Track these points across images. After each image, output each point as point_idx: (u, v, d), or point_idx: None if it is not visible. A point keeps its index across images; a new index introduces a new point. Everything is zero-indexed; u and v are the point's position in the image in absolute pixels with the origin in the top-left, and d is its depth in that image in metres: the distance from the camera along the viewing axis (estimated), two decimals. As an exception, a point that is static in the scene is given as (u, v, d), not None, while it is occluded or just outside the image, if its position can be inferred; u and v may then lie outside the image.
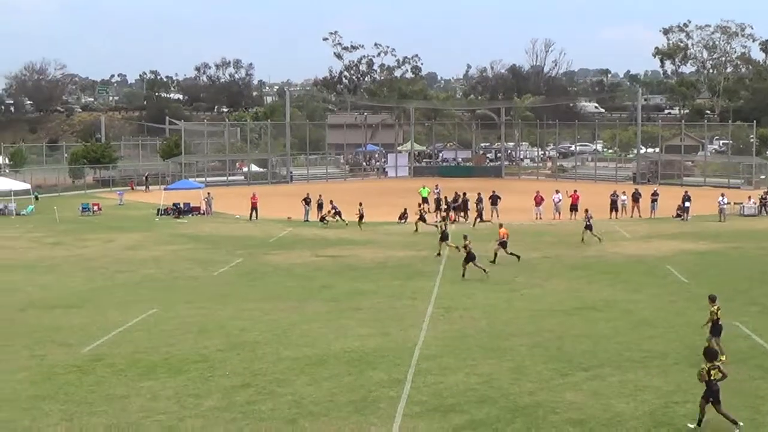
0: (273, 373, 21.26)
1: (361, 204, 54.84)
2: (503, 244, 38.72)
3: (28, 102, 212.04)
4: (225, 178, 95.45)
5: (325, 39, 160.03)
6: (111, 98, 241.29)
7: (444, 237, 41.48)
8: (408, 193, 69.78)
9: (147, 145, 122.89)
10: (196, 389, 20.09)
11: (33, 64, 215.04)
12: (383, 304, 29.95)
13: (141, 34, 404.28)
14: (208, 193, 64.91)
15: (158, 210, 63.27)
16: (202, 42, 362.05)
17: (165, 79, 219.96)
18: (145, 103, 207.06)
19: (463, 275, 34.81)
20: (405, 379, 20.51)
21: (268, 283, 35.23)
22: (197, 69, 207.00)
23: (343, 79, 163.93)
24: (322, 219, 55.69)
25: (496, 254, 38.42)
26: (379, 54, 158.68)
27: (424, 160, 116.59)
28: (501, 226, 40.47)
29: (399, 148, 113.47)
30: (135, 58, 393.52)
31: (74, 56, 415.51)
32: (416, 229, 50.75)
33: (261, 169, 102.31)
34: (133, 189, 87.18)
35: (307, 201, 59.34)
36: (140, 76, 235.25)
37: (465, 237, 36.47)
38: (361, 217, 53.76)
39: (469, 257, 35.08)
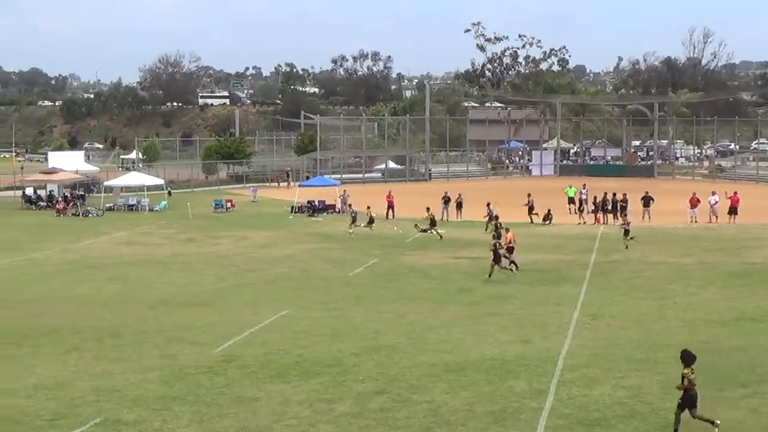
0: (408, 380, 21.30)
1: (447, 200, 54.66)
2: (510, 250, 37.95)
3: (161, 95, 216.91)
4: (361, 175, 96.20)
5: (468, 30, 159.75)
6: (245, 91, 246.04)
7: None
8: (553, 193, 69.04)
9: (281, 140, 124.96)
10: (329, 394, 20.28)
11: (167, 56, 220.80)
12: (525, 310, 29.71)
13: (277, 26, 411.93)
14: (344, 191, 65.53)
15: (292, 207, 64.27)
16: (339, 34, 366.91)
17: (301, 72, 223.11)
18: (280, 96, 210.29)
19: (489, 275, 35.70)
20: (548, 390, 20.28)
21: (404, 284, 35.36)
22: (334, 61, 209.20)
23: (486, 72, 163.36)
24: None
25: (511, 262, 37.47)
26: (523, 46, 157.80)
27: (571, 158, 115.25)
28: (507, 230, 39.75)
29: (544, 146, 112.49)
30: (270, 50, 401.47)
31: (209, 49, 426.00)
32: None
33: (399, 166, 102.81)
34: (279, 185, 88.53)
35: (446, 200, 59.36)
36: (275, 68, 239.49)
37: (507, 230, 37.84)
38: (432, 222, 50.11)
39: (495, 257, 35.87)
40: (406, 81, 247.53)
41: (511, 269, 36.68)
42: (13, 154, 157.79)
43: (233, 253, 44.92)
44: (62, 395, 20.29)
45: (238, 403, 19.64)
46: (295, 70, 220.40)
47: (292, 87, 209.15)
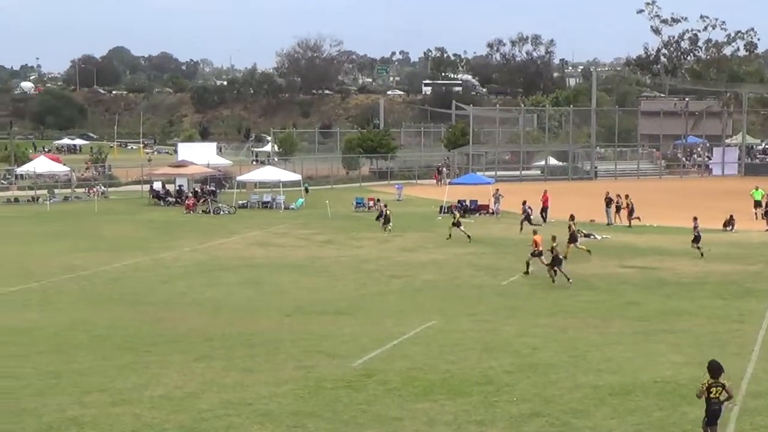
0: (568, 402, 21.14)
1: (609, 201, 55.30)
2: (537, 254, 39.01)
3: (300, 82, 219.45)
4: (518, 172, 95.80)
5: (641, 11, 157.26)
6: (391, 79, 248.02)
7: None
8: (736, 195, 67.53)
9: (430, 132, 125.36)
10: (479, 415, 20.27)
11: (307, 40, 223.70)
12: (702, 327, 29.15)
13: (427, 7, 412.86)
14: (497, 190, 65.36)
15: (441, 207, 64.44)
16: (496, 15, 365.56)
17: (452, 58, 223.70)
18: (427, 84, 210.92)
19: (553, 281, 37.08)
20: (727, 419, 19.87)
21: (564, 295, 35.08)
22: (489, 46, 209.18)
23: (661, 57, 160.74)
24: None
25: (552, 268, 37.74)
26: (705, 28, 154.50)
27: (758, 156, 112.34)
28: (535, 232, 40.29)
29: (727, 142, 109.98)
30: (419, 33, 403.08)
31: (351, 31, 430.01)
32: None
33: (560, 163, 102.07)
34: (438, 182, 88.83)
35: (608, 201, 58.71)
36: (424, 54, 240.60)
37: (553, 238, 37.79)
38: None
39: (555, 261, 37.13)
40: (569, 68, 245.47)
41: (567, 278, 36.99)
42: (141, 145, 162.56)
43: (375, 257, 45.32)
44: (189, 407, 20.79)
45: (379, 423, 19.79)
46: (446, 55, 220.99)
47: (442, 74, 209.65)
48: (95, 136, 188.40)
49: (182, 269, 42.06)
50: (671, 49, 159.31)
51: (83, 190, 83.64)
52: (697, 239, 44.59)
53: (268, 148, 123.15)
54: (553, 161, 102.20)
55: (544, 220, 58.54)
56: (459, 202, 64.14)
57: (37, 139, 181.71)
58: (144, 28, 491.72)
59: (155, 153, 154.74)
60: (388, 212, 53.90)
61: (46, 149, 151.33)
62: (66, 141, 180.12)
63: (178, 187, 76.27)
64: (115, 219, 63.45)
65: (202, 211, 67.24)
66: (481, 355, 25.50)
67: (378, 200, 50.20)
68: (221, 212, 66.03)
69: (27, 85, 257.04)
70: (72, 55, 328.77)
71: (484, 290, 36.33)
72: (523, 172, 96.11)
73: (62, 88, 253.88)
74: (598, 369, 23.99)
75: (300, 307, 32.99)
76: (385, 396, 21.66)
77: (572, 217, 46.32)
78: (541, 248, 39.15)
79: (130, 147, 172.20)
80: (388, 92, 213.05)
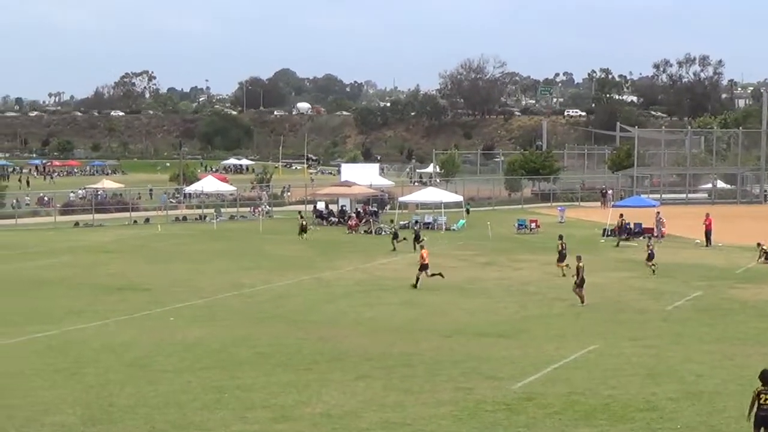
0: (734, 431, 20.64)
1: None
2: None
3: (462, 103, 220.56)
4: (684, 195, 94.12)
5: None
6: (554, 100, 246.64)
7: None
8: None
9: (594, 154, 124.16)
10: (641, 442, 19.93)
11: (470, 61, 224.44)
12: None
13: (592, 27, 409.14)
14: (658, 213, 64.21)
15: (604, 230, 63.67)
16: (663, 35, 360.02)
17: (617, 79, 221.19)
18: (593, 105, 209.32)
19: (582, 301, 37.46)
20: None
21: (733, 322, 34.22)
22: (656, 66, 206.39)
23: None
24: None
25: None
26: None
27: None
28: (578, 258, 38.64)
29: None
30: (583, 54, 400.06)
31: (514, 51, 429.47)
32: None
33: (728, 186, 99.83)
34: (602, 205, 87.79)
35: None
36: (588, 74, 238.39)
37: (578, 258, 38.18)
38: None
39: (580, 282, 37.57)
40: (739, 89, 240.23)
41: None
42: (305, 165, 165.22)
43: (537, 279, 45.02)
44: (350, 426, 20.96)
45: (538, 447, 19.61)
46: (610, 76, 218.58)
47: (607, 95, 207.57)
48: (255, 157, 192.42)
49: (344, 288, 42.51)
50: None
51: (248, 209, 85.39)
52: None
53: (430, 169, 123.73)
54: (721, 184, 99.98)
55: (708, 243, 57.43)
56: (623, 225, 62.97)
57: (205, 159, 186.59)
58: (309, 51, 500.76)
59: (319, 173, 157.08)
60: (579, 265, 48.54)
61: (213, 169, 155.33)
62: (232, 161, 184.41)
63: (341, 208, 77.20)
64: (279, 238, 64.54)
65: (364, 231, 67.90)
66: (644, 380, 25.05)
67: (561, 238, 48.55)
68: (383, 232, 66.51)
69: (303, 106, 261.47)
70: (239, 77, 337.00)
71: (648, 315, 35.71)
72: (689, 195, 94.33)
73: (230, 109, 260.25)
74: None
75: (460, 328, 32.97)
76: (545, 420, 21.46)
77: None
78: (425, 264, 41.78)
79: (294, 167, 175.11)
80: (551, 114, 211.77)
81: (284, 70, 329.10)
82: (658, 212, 64.76)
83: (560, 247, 46.11)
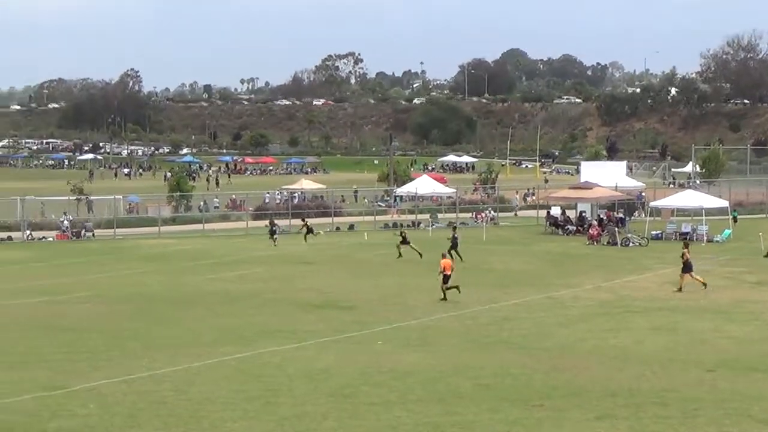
0: None
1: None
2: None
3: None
4: None
5: None
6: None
7: None
8: None
9: None
10: None
11: (739, 38, 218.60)
12: None
13: None
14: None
15: None
16: None
17: None
18: None
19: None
20: None
21: None
22: None
23: None
24: None
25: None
26: None
27: None
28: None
29: None
30: None
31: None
32: None
33: None
34: None
35: None
36: None
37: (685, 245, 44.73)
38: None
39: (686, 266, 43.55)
40: None
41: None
42: (537, 163, 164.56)
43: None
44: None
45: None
46: None
47: None
48: (478, 153, 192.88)
49: (582, 310, 42.21)
50: None
51: (469, 214, 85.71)
52: None
53: (688, 168, 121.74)
54: None
55: None
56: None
57: (420, 155, 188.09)
58: (544, 29, 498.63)
59: (553, 173, 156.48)
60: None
61: (429, 167, 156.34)
62: (451, 158, 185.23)
63: (579, 214, 76.62)
64: (505, 249, 64.57)
65: (607, 242, 67.23)
66: None
67: None
68: (631, 244, 65.75)
69: None
70: (460, 60, 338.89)
71: None
72: None
73: (448, 97, 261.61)
74: None
75: (725, 360, 32.25)
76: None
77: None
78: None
79: (524, 165, 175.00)
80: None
81: (513, 50, 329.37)
82: None
83: None
